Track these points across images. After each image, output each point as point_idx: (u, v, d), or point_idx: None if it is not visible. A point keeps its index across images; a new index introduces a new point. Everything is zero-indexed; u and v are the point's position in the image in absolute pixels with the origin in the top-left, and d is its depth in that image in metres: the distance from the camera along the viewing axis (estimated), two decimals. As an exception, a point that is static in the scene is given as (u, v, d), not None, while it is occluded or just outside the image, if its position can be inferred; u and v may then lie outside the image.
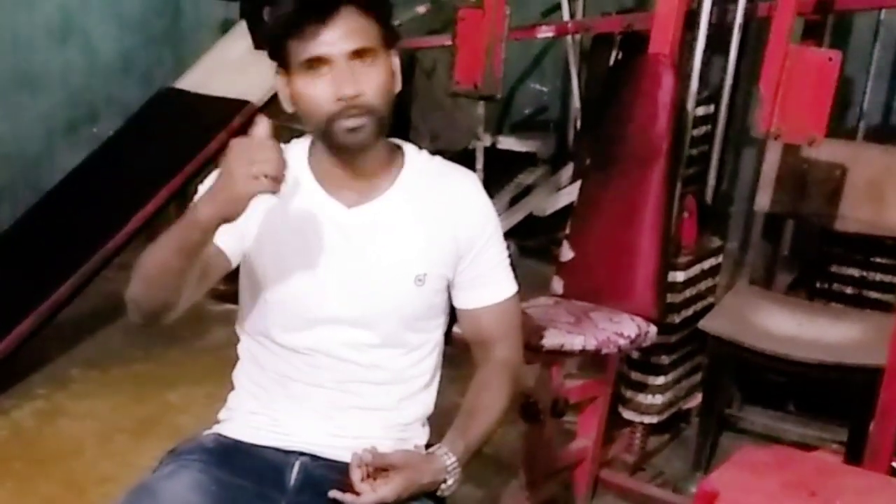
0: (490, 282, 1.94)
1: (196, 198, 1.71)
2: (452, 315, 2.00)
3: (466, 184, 1.96)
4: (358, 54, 1.76)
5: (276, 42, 1.80)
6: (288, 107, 1.85)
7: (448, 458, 1.78)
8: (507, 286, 1.97)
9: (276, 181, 1.60)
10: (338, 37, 1.74)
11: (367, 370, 1.89)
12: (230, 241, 1.82)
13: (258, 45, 4.36)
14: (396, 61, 1.85)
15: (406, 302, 1.88)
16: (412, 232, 1.89)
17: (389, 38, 1.82)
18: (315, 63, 1.76)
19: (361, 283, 1.86)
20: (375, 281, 1.87)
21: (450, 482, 1.79)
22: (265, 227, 1.87)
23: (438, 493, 1.80)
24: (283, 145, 1.94)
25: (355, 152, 1.83)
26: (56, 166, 4.43)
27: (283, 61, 1.81)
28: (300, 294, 1.87)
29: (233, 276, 1.94)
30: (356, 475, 1.72)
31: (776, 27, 2.76)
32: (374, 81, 1.78)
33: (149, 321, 1.78)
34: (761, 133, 2.78)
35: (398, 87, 1.85)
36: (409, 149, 1.96)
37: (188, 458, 1.84)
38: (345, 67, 1.75)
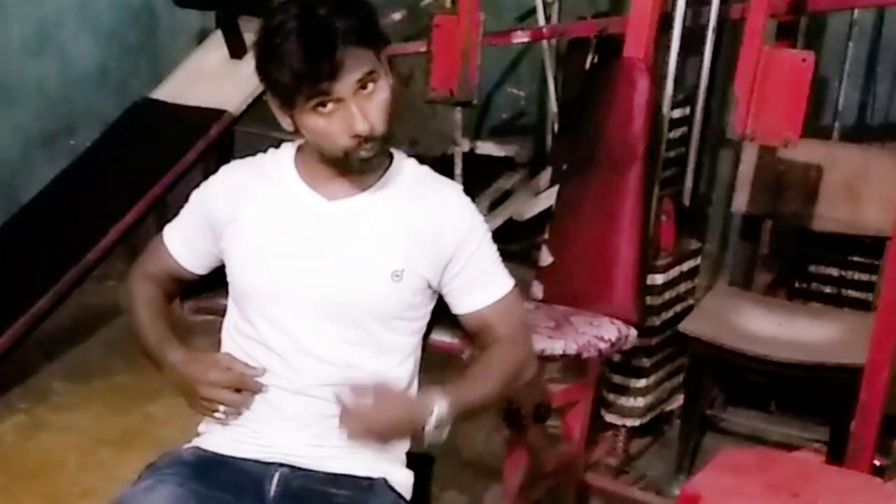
0: (488, 282, 1.97)
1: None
2: (430, 323, 2.00)
3: (451, 193, 1.99)
4: (361, 82, 1.79)
5: (285, 94, 1.81)
6: (288, 128, 1.87)
7: (433, 401, 1.76)
8: (504, 282, 1.99)
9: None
10: (344, 76, 1.76)
11: (342, 370, 1.88)
12: (190, 258, 2.03)
13: (234, 54, 4.35)
14: (387, 65, 1.86)
15: (382, 296, 1.89)
16: (392, 227, 1.91)
17: (384, 53, 1.85)
18: (324, 102, 1.78)
19: (339, 274, 1.88)
20: (352, 272, 1.89)
21: (432, 422, 1.76)
22: (247, 224, 1.92)
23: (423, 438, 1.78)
24: (261, 153, 1.98)
25: (360, 169, 1.88)
26: (33, 179, 4.40)
27: (287, 101, 1.82)
28: (279, 285, 1.89)
29: (212, 286, 2.02)
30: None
31: (749, 29, 2.77)
32: (379, 109, 1.82)
33: None
34: (737, 135, 2.80)
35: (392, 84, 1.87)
36: (397, 154, 1.99)
37: (166, 471, 1.84)
38: (353, 103, 1.78)
